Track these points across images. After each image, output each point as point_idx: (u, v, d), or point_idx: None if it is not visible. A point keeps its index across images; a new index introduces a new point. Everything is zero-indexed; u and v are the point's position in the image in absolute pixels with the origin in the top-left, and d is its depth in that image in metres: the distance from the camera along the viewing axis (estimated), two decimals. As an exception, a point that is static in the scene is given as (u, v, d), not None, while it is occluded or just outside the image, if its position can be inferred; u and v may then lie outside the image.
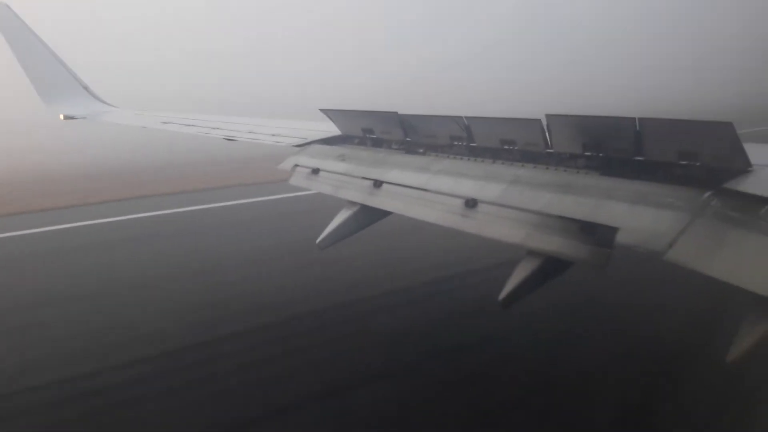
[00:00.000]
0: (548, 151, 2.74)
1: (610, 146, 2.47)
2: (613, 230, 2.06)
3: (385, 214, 3.27)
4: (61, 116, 7.37)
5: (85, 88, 7.95)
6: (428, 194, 2.99)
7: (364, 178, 3.44)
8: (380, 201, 3.23)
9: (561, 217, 2.30)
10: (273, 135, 4.83)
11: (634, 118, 2.25)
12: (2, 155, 17.34)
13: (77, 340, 5.44)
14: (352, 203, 3.42)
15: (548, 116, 2.61)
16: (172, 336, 5.42)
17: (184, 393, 4.47)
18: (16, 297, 6.78)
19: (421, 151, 3.50)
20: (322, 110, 4.09)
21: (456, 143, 3.27)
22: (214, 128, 5.59)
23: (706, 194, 2.02)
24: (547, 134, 2.70)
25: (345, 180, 3.56)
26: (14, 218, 10.95)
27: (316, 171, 3.84)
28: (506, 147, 2.95)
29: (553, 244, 2.25)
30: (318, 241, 3.48)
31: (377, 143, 3.86)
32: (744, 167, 2.03)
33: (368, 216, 3.40)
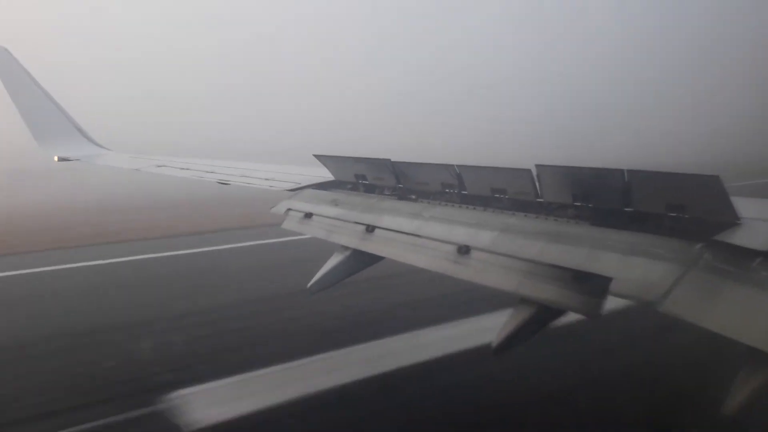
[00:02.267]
0: (538, 200, 2.78)
1: (600, 197, 2.51)
2: (607, 280, 2.07)
3: (378, 258, 3.27)
4: (56, 158, 7.40)
5: (80, 130, 8.03)
6: (421, 240, 3.00)
7: (356, 222, 3.45)
8: (373, 246, 3.23)
9: (553, 266, 2.31)
10: (266, 179, 4.86)
11: (622, 170, 2.29)
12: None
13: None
14: (345, 248, 3.43)
15: (538, 166, 2.66)
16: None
17: None
18: None
19: (414, 197, 3.53)
20: (315, 156, 4.14)
21: (448, 191, 3.31)
22: (208, 172, 5.62)
23: (698, 246, 2.04)
24: (537, 184, 2.74)
25: (338, 224, 3.57)
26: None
27: (309, 215, 3.85)
28: (497, 195, 2.99)
29: (547, 292, 2.25)
30: (309, 285, 3.46)
31: (370, 189, 3.90)
32: (732, 220, 2.07)
33: (360, 260, 3.39)
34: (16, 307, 8.01)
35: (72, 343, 6.40)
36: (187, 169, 5.94)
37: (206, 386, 5.12)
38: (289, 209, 4.05)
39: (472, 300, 6.40)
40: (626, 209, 2.41)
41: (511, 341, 2.33)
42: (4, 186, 18.37)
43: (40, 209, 16.04)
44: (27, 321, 7.39)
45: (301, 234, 3.89)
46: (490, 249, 2.63)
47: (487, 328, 2.72)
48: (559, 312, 2.27)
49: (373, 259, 3.31)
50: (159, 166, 6.24)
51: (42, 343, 6.41)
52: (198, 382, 5.15)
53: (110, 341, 6.45)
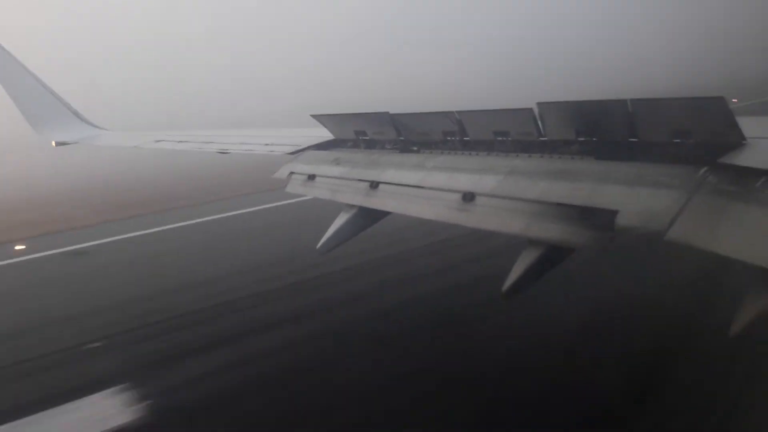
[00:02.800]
0: (542, 139, 2.75)
1: (604, 130, 2.47)
2: (613, 213, 2.06)
3: (384, 214, 3.27)
4: (53, 143, 7.37)
5: (75, 113, 7.95)
6: (425, 191, 2.99)
7: (360, 180, 3.44)
8: (378, 202, 3.23)
9: (559, 204, 2.30)
10: (266, 144, 4.83)
11: (625, 100, 2.25)
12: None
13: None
14: (350, 206, 3.43)
15: (539, 104, 2.62)
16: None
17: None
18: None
19: (415, 149, 3.50)
20: (313, 116, 4.09)
21: (449, 138, 3.27)
22: (206, 142, 5.59)
23: (702, 170, 2.02)
24: (539, 122, 2.70)
25: (341, 183, 3.56)
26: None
27: (312, 177, 3.84)
28: (500, 138, 2.96)
29: (554, 231, 2.25)
30: (318, 245, 3.49)
31: (371, 144, 3.86)
32: (738, 141, 2.04)
33: (367, 217, 3.41)
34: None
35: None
36: (186, 141, 5.90)
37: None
38: (291, 172, 4.03)
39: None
40: (631, 140, 2.38)
41: (520, 284, 2.34)
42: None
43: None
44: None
45: (305, 196, 3.88)
46: (495, 193, 2.61)
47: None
48: (568, 251, 2.27)
49: (379, 214, 3.32)
50: (158, 141, 6.21)
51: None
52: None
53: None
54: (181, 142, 5.92)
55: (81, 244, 10.29)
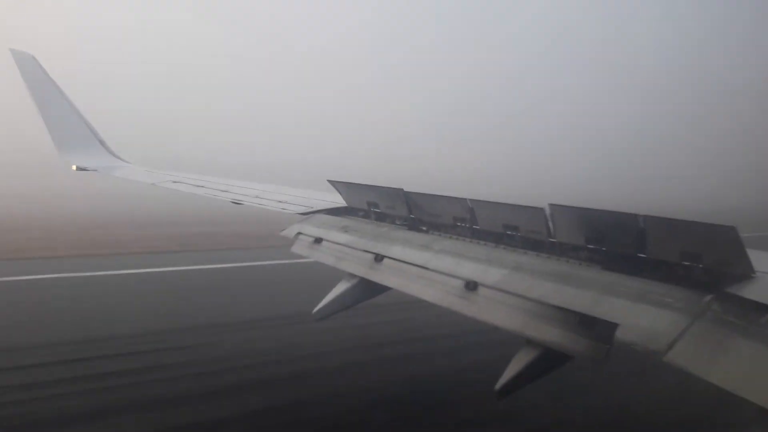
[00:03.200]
0: (551, 240, 2.76)
1: (613, 241, 2.49)
2: (613, 326, 2.04)
3: (385, 288, 3.25)
4: (74, 167, 7.50)
5: (101, 142, 8.15)
6: (429, 273, 2.98)
7: (365, 251, 3.45)
8: (380, 276, 3.21)
9: (561, 308, 2.28)
10: (279, 202, 4.89)
11: (637, 215, 2.28)
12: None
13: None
14: (352, 275, 3.41)
15: (551, 206, 2.64)
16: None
17: None
18: None
19: (425, 229, 3.52)
20: (329, 181, 4.16)
21: (459, 224, 3.30)
22: (222, 191, 5.67)
23: (707, 297, 2.01)
24: (550, 223, 2.72)
25: (346, 252, 3.56)
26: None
27: (318, 240, 3.85)
28: (509, 232, 2.97)
29: (552, 334, 2.22)
30: (314, 311, 3.44)
31: (381, 217, 3.90)
32: (747, 273, 2.04)
33: (367, 290, 3.38)
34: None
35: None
36: (202, 186, 5.99)
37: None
38: (299, 233, 4.06)
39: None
40: (639, 255, 2.38)
41: (515, 383, 2.29)
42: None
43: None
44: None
45: (309, 258, 3.88)
46: (498, 287, 2.60)
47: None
48: (565, 356, 2.23)
49: (380, 288, 3.29)
50: (175, 182, 6.30)
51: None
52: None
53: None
54: (197, 186, 6.01)
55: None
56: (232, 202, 5.23)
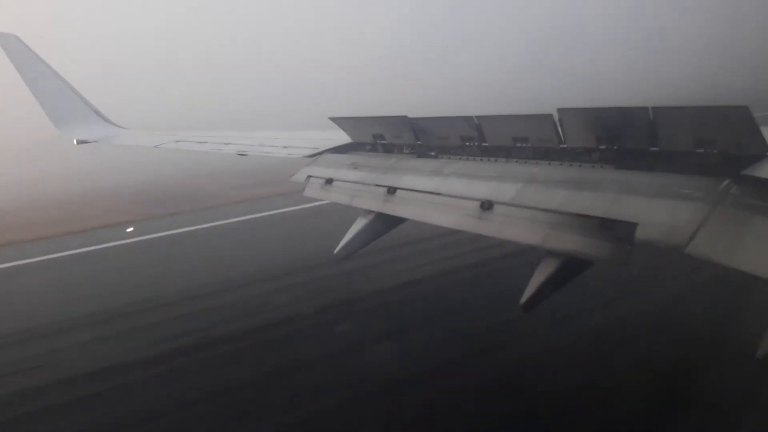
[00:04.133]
0: (562, 146, 2.72)
1: (625, 138, 2.45)
2: (633, 226, 2.04)
3: (401, 220, 3.27)
4: (75, 141, 7.45)
5: (96, 112, 8.04)
6: (443, 198, 2.97)
7: (377, 185, 3.44)
8: (395, 208, 3.22)
9: (579, 215, 2.28)
10: (285, 147, 4.84)
11: (647, 108, 2.23)
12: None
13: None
14: (368, 211, 3.43)
15: (560, 110, 2.59)
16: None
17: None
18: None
19: (433, 154, 3.49)
20: (331, 118, 4.10)
21: (468, 144, 3.26)
22: (226, 144, 5.62)
23: (725, 182, 2.00)
24: (559, 129, 2.68)
25: (359, 188, 3.56)
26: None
27: (329, 181, 3.84)
28: (519, 145, 2.94)
29: (573, 243, 2.23)
30: (336, 251, 3.48)
31: (389, 149, 3.86)
32: (762, 152, 2.00)
33: (384, 223, 3.40)
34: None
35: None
36: (205, 142, 5.94)
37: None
38: (309, 176, 4.04)
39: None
40: (652, 149, 2.35)
41: (539, 295, 2.33)
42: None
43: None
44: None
45: (323, 200, 3.89)
46: (514, 202, 2.60)
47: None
48: (587, 263, 2.25)
49: (397, 221, 3.31)
50: (177, 141, 6.26)
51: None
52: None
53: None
54: (200, 142, 5.96)
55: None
56: (238, 154, 5.20)
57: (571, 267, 2.29)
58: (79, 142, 7.46)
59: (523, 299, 2.35)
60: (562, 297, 2.46)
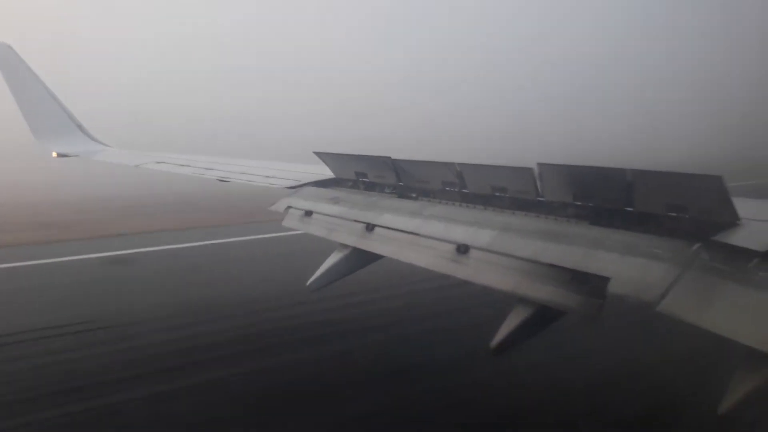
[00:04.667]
0: (539, 199, 2.78)
1: (600, 196, 2.51)
2: (605, 280, 2.07)
3: (378, 257, 3.27)
4: (54, 154, 7.39)
5: (80, 127, 8.02)
6: (420, 239, 2.99)
7: (356, 221, 3.45)
8: (372, 245, 3.23)
9: (552, 266, 2.31)
10: (266, 177, 4.85)
11: (624, 169, 2.29)
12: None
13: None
14: (344, 246, 3.43)
15: (540, 165, 2.65)
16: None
17: None
18: None
19: (414, 195, 3.53)
20: (316, 153, 4.13)
21: (448, 189, 3.30)
22: (207, 168, 5.62)
23: (695, 246, 2.04)
24: (538, 182, 2.73)
25: (337, 222, 3.56)
26: None
27: (309, 213, 3.85)
28: (497, 194, 2.99)
29: (545, 292, 2.25)
30: (309, 282, 3.46)
31: (370, 187, 3.89)
32: (732, 220, 2.06)
33: (360, 259, 3.39)
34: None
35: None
36: (187, 165, 5.93)
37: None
38: (289, 207, 4.05)
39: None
40: (627, 209, 2.40)
41: (509, 341, 2.33)
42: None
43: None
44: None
45: (299, 230, 3.89)
46: (489, 248, 2.62)
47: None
48: (559, 313, 2.26)
49: (373, 257, 3.31)
50: (158, 163, 6.23)
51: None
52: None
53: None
54: (182, 165, 5.95)
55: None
56: (219, 180, 5.19)
57: (543, 316, 2.30)
58: (59, 155, 7.40)
59: (493, 343, 2.35)
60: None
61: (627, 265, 2.10)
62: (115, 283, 8.83)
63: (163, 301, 7.71)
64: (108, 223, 14.14)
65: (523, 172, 2.77)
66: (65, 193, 18.15)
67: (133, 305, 7.43)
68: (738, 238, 1.97)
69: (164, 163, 6.19)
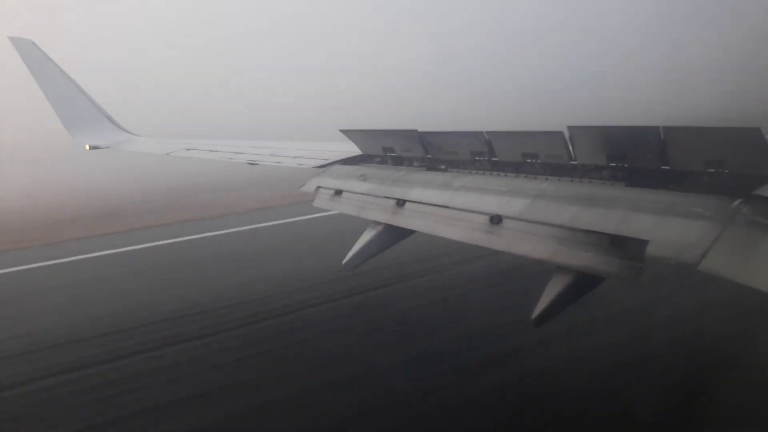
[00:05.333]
0: (572, 163, 2.73)
1: (635, 156, 2.45)
2: (643, 243, 2.04)
3: (410, 232, 3.28)
4: (87, 146, 7.57)
5: (109, 118, 8.17)
6: (452, 212, 2.98)
7: (386, 197, 3.45)
8: (404, 220, 3.23)
9: (589, 231, 2.28)
10: (295, 157, 4.88)
11: (658, 127, 2.23)
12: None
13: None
14: (376, 223, 3.44)
15: (570, 128, 2.60)
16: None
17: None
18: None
19: (443, 167, 3.51)
20: (342, 131, 4.13)
21: (477, 158, 3.27)
22: (237, 153, 5.68)
23: (736, 202, 2.00)
24: (570, 146, 2.69)
25: (368, 200, 3.58)
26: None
27: (338, 192, 3.87)
28: (529, 160, 2.95)
29: (583, 259, 2.23)
30: (344, 262, 3.50)
31: (398, 161, 3.89)
32: None
33: (392, 235, 3.41)
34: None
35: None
36: (216, 150, 6.01)
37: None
38: (318, 187, 4.07)
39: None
40: (663, 168, 2.36)
41: (550, 311, 2.32)
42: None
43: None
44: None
45: (332, 211, 3.91)
46: (523, 217, 2.60)
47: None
48: (598, 279, 2.24)
49: (405, 233, 3.32)
50: (188, 150, 6.33)
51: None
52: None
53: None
54: (211, 151, 6.02)
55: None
56: (248, 163, 5.25)
57: (582, 283, 2.28)
58: (91, 147, 7.57)
59: (535, 314, 2.34)
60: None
61: (666, 225, 2.06)
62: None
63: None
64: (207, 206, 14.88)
65: (554, 136, 2.72)
66: (133, 183, 18.46)
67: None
68: None
69: (194, 149, 6.28)
